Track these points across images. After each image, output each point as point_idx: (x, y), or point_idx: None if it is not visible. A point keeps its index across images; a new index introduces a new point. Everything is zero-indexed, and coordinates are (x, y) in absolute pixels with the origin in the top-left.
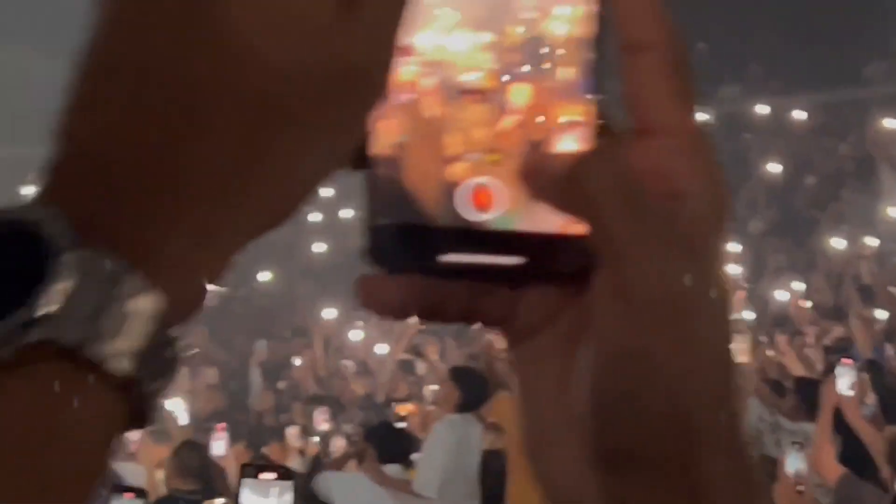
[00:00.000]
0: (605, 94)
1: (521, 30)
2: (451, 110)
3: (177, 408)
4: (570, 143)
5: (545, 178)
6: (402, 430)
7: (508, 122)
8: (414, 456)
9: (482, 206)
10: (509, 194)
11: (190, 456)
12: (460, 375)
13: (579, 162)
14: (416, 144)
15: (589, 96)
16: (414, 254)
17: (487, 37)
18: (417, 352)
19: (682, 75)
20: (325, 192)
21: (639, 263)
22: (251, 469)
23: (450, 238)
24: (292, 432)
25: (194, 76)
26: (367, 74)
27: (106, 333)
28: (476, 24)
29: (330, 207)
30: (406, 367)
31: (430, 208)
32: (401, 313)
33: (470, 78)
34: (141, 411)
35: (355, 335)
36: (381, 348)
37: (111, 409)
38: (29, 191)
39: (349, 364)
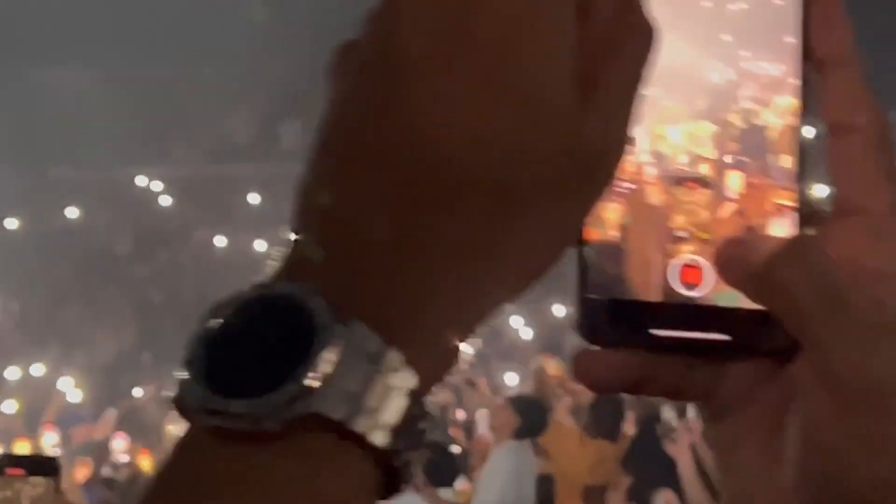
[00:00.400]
0: (815, 181)
1: (738, 119)
2: (668, 196)
3: None
4: (780, 230)
5: (741, 265)
6: (453, 453)
7: (723, 208)
8: (457, 482)
9: (691, 284)
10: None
11: None
12: (520, 403)
13: (776, 250)
14: (631, 225)
15: (800, 184)
16: (625, 328)
17: (706, 126)
18: (469, 381)
19: (887, 155)
20: None
21: (841, 352)
22: None
23: (660, 314)
24: None
25: (444, 161)
26: (603, 159)
27: (369, 408)
28: (695, 114)
29: None
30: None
31: (642, 285)
32: (611, 387)
33: (687, 166)
34: (393, 481)
35: None
36: None
37: (369, 479)
38: (73, 213)
39: None
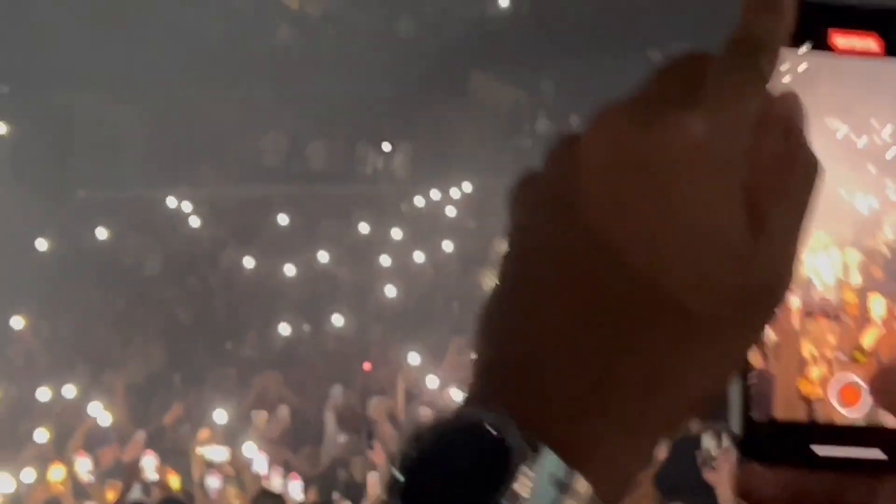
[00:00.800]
0: None
1: (883, 247)
2: (821, 321)
3: (253, 455)
4: None
5: (892, 389)
6: None
7: (871, 333)
8: None
9: (849, 404)
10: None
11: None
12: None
13: None
14: (786, 349)
15: None
16: (786, 446)
17: (853, 254)
18: None
19: None
20: (396, 234)
21: None
22: None
23: (819, 432)
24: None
25: (630, 289)
26: (772, 292)
27: None
28: (842, 242)
29: (401, 251)
30: None
31: (801, 405)
32: (773, 502)
33: (834, 292)
34: None
35: (432, 382)
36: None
37: None
38: (102, 234)
39: (428, 412)
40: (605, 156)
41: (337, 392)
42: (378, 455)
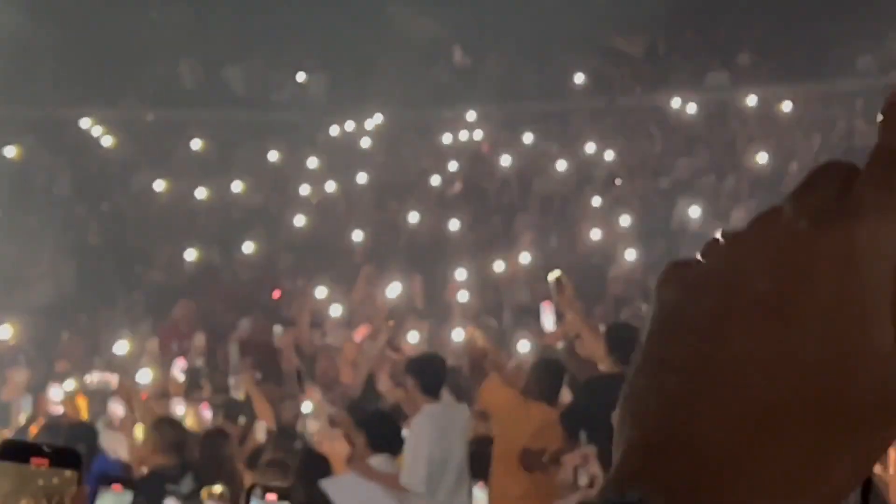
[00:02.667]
0: None
1: None
2: None
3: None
4: None
5: None
6: (392, 417)
7: None
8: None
9: None
10: None
11: (169, 431)
12: (415, 364)
13: None
14: None
15: None
16: None
17: None
18: (394, 346)
19: None
20: (310, 163)
21: None
22: (259, 490)
23: None
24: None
25: (781, 382)
26: None
27: None
28: None
29: (315, 180)
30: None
31: None
32: None
33: None
34: None
35: (336, 311)
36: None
37: None
38: (11, 151)
39: (333, 342)
40: (769, 255)
41: (245, 325)
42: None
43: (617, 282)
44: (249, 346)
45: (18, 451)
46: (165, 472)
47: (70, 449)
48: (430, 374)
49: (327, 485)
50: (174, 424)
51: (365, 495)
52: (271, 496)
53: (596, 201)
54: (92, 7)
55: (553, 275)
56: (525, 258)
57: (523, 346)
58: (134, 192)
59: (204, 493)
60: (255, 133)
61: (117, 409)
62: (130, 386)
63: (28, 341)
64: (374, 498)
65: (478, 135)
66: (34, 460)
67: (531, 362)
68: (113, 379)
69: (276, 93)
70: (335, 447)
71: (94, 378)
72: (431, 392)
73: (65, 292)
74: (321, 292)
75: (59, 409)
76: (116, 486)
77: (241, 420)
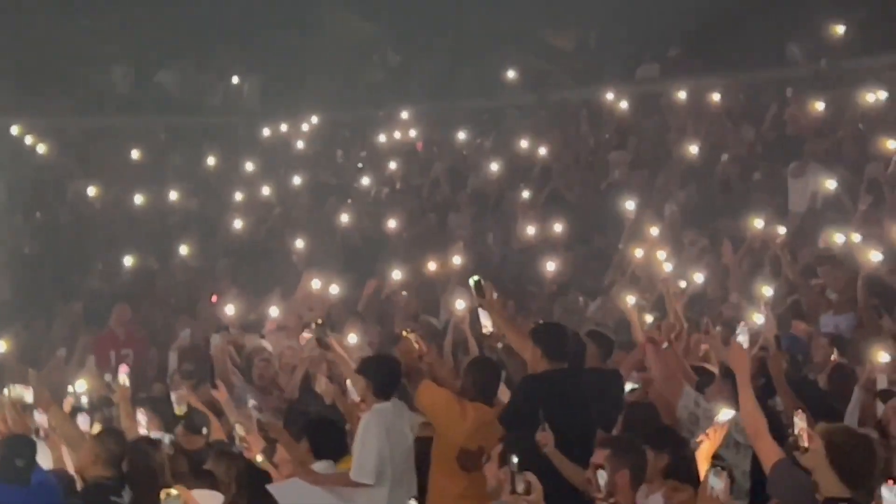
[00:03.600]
0: None
1: None
2: None
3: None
4: None
5: None
6: (336, 423)
7: None
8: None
9: None
10: None
11: (110, 442)
12: (368, 366)
13: None
14: None
15: None
16: None
17: None
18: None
19: None
20: (245, 166)
21: None
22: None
23: None
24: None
25: None
26: None
27: None
28: None
29: (250, 183)
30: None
31: None
32: None
33: None
34: None
35: (274, 313)
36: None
37: None
38: None
39: (266, 346)
40: None
41: (185, 334)
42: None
43: (552, 277)
44: (188, 354)
45: None
46: (107, 484)
47: None
48: (383, 375)
49: (274, 489)
50: (116, 435)
51: (311, 498)
52: None
53: (529, 197)
54: (21, 14)
55: (472, 280)
56: (458, 259)
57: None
58: (69, 200)
59: (162, 494)
60: (190, 138)
61: (42, 421)
62: (47, 398)
63: None
64: (322, 499)
65: (411, 133)
66: None
67: (467, 362)
68: (28, 392)
69: (209, 97)
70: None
71: (14, 391)
72: (384, 394)
73: (1, 302)
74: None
75: None
76: None
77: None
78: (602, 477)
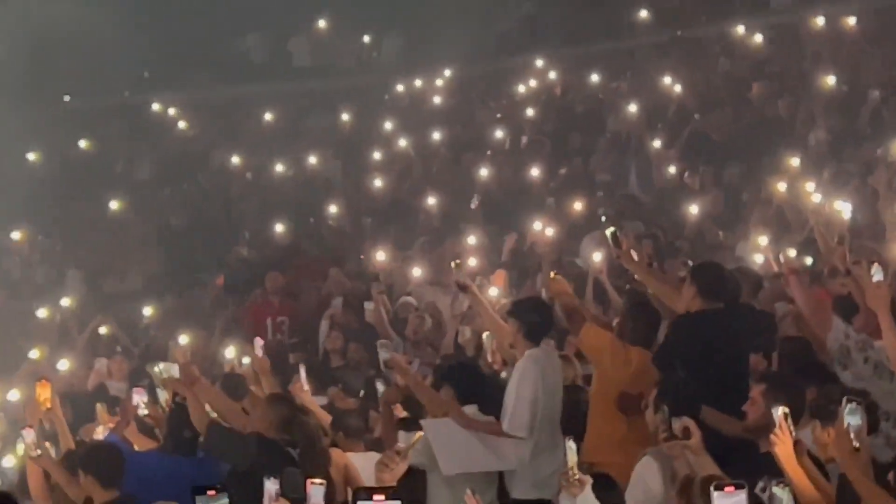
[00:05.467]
0: None
1: None
2: None
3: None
4: None
5: None
6: (479, 369)
7: None
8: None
9: None
10: None
11: (281, 407)
12: (521, 308)
13: None
14: None
15: None
16: None
17: None
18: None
19: None
20: (387, 125)
21: None
22: (363, 493)
23: None
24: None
25: None
26: None
27: None
28: None
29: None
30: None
31: None
32: None
33: None
34: None
35: (417, 274)
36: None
37: None
38: (90, 141)
39: (412, 301)
40: None
41: (337, 303)
42: None
43: (695, 218)
44: (341, 320)
45: None
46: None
47: (3, 494)
48: (536, 317)
49: (427, 425)
50: (284, 400)
51: (460, 440)
52: (378, 496)
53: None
54: None
55: (609, 231)
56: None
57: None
58: (213, 171)
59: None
60: (326, 100)
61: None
62: (192, 372)
63: (123, 330)
64: (470, 443)
65: (547, 80)
66: None
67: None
68: (174, 367)
69: (343, 58)
70: None
71: (160, 367)
72: (536, 337)
73: (153, 276)
74: (398, 253)
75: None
76: (211, 492)
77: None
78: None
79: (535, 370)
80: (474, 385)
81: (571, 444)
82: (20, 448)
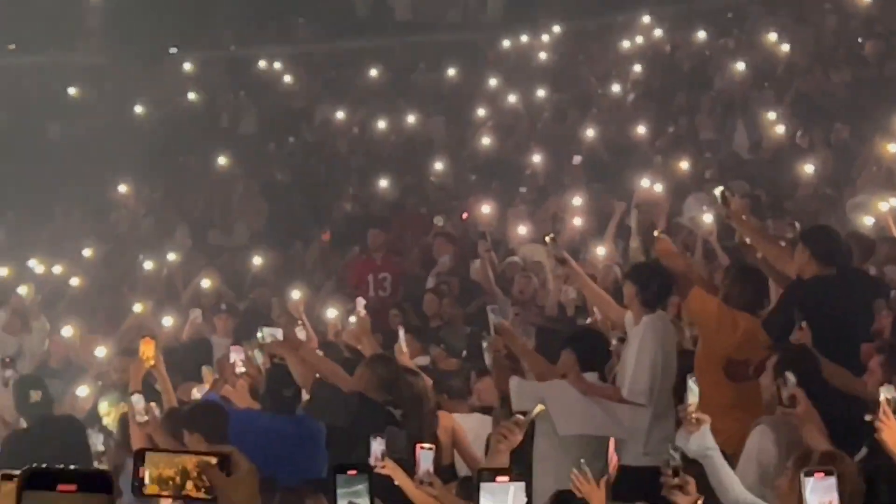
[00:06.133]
0: None
1: None
2: None
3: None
4: None
5: None
6: (604, 336)
7: None
8: None
9: None
10: None
11: (382, 369)
12: (638, 272)
13: None
14: None
15: None
16: None
17: None
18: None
19: None
20: (487, 81)
21: None
22: (488, 474)
23: None
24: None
25: None
26: None
27: None
28: None
29: (494, 99)
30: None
31: None
32: None
33: None
34: None
35: (522, 231)
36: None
37: None
38: (196, 95)
39: (518, 260)
40: None
41: (444, 260)
42: None
43: (807, 178)
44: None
45: (44, 478)
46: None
47: (100, 472)
48: (653, 281)
49: (544, 387)
50: (386, 361)
51: (574, 402)
52: (502, 478)
53: (775, 97)
54: None
55: (717, 190)
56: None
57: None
58: (317, 126)
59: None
60: (431, 56)
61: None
62: (295, 336)
63: (228, 285)
64: (587, 407)
65: (653, 37)
66: (61, 487)
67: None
68: (277, 332)
69: (449, 12)
70: None
71: (264, 334)
72: (653, 303)
73: (258, 231)
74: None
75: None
76: (352, 472)
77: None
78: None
79: (653, 337)
80: (597, 352)
81: (693, 384)
82: (119, 407)
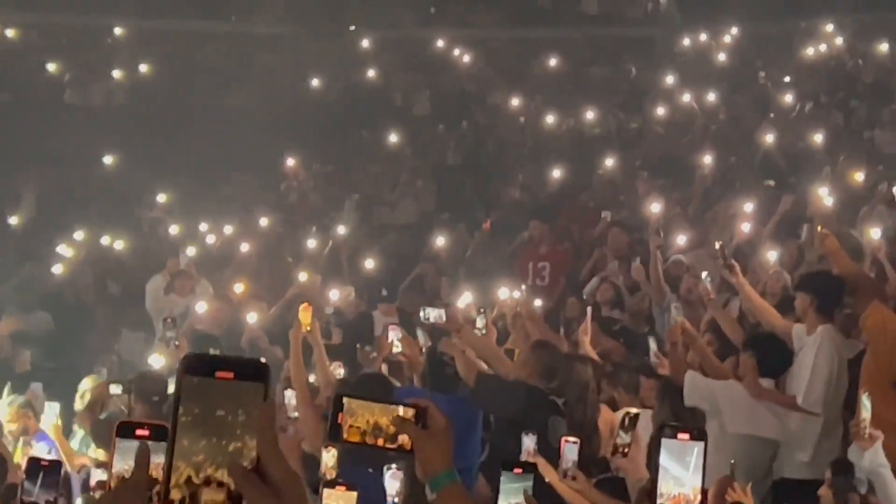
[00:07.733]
0: None
1: None
2: None
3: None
4: None
5: None
6: (787, 344)
7: None
8: None
9: None
10: None
11: (545, 355)
12: (812, 280)
13: None
14: None
15: None
16: None
17: None
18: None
19: None
20: (669, 79)
21: None
22: (670, 430)
23: None
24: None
25: None
26: None
27: None
28: None
29: (670, 97)
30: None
31: None
32: None
33: None
34: None
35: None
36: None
37: None
38: (371, 73)
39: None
40: None
41: (613, 266)
42: None
43: None
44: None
45: (203, 365)
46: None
47: (256, 361)
48: (828, 290)
49: (718, 385)
50: (550, 347)
51: (750, 404)
52: (683, 435)
53: None
54: None
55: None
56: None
57: None
58: (489, 112)
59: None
60: (610, 49)
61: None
62: (458, 321)
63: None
64: (758, 409)
65: (835, 46)
66: (219, 374)
67: None
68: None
69: (630, 7)
70: None
71: (429, 314)
72: (828, 311)
73: (425, 211)
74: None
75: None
76: (517, 470)
77: None
78: None
79: (830, 347)
80: (777, 359)
81: (866, 400)
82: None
